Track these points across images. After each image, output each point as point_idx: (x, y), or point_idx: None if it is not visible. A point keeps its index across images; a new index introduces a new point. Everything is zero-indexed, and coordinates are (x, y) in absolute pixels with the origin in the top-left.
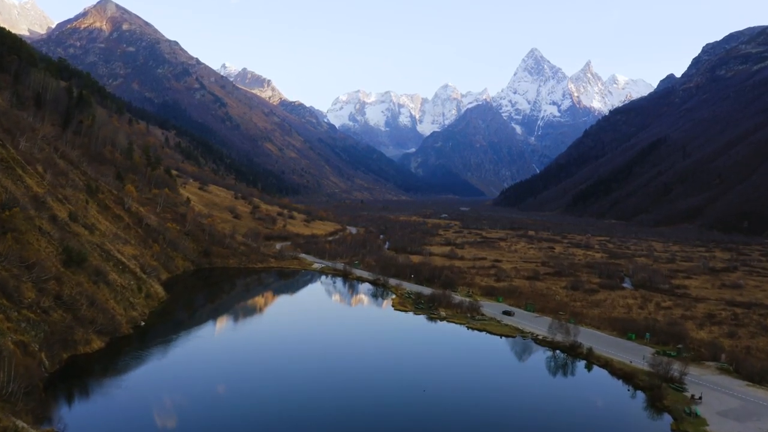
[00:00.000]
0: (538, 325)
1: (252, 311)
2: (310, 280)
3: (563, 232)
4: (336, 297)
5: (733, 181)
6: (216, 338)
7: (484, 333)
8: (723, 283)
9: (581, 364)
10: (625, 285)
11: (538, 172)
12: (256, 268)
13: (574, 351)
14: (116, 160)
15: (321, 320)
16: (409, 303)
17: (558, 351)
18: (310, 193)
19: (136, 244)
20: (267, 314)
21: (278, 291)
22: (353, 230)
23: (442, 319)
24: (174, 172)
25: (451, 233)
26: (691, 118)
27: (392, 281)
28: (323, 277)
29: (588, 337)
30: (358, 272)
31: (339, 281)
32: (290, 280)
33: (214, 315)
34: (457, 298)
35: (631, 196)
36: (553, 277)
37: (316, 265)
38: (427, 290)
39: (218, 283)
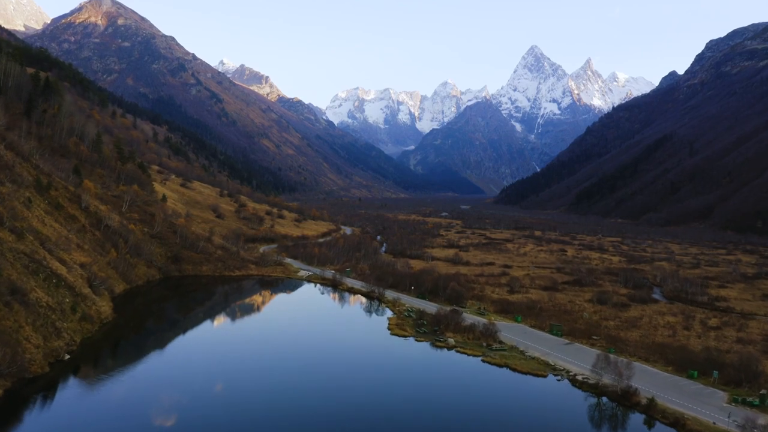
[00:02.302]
0: (571, 356)
1: (208, 341)
2: (293, 292)
3: (571, 233)
4: (320, 316)
5: (744, 179)
6: (154, 381)
7: (506, 369)
8: (764, 293)
9: (637, 418)
10: (655, 296)
11: (538, 170)
12: (232, 276)
13: (627, 400)
14: (81, 153)
15: (296, 351)
16: (408, 324)
17: (605, 398)
18: (308, 191)
19: (90, 249)
20: (225, 343)
21: (249, 307)
22: (348, 231)
23: (450, 348)
24: (155, 168)
25: (453, 234)
26: (697, 115)
27: (389, 294)
28: (309, 287)
29: (638, 376)
30: (350, 282)
31: (327, 293)
32: (270, 290)
33: (160, 344)
34: (468, 318)
35: (637, 194)
36: (574, 288)
37: (302, 273)
38: (430, 305)
39: (184, 296)
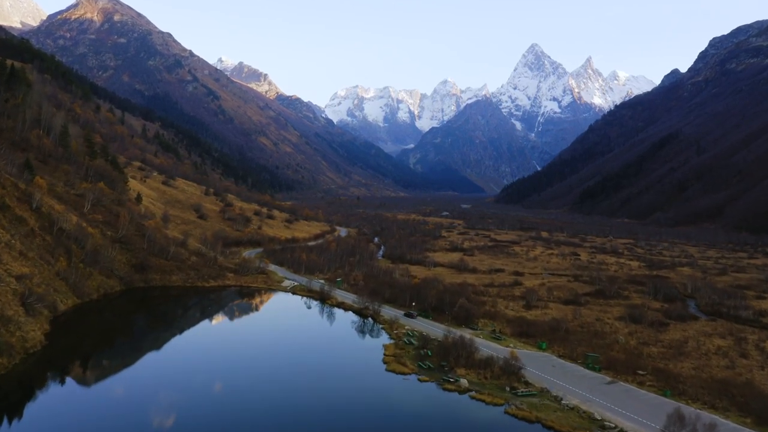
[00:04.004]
0: (619, 403)
1: (150, 384)
2: (272, 307)
3: (580, 233)
4: (298, 342)
5: (756, 177)
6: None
7: (538, 425)
8: None
9: None
10: (691, 310)
11: (538, 168)
12: (206, 286)
13: None
14: (44, 146)
15: (259, 400)
16: (409, 355)
17: None
18: (306, 189)
19: (35, 257)
20: (170, 384)
21: (213, 328)
22: (343, 232)
23: (463, 392)
24: (136, 164)
25: (455, 235)
26: (703, 113)
27: (386, 311)
28: (293, 301)
29: None
30: (341, 294)
31: (314, 307)
32: (244, 306)
33: (82, 389)
34: (482, 345)
35: (643, 193)
36: (598, 300)
37: (286, 283)
38: (435, 327)
39: (143, 314)
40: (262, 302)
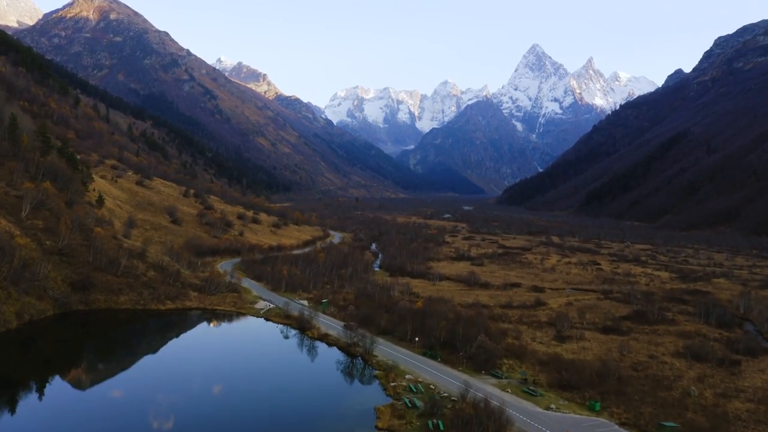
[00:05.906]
0: None
1: None
2: (234, 340)
3: (592, 238)
4: (256, 403)
5: None
6: None
7: None
8: None
9: None
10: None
11: (539, 170)
12: (161, 309)
13: None
14: None
15: None
16: (412, 430)
17: None
18: (304, 190)
19: None
20: None
21: (132, 375)
22: (338, 237)
23: None
24: (109, 163)
25: (460, 240)
26: (711, 112)
27: (381, 348)
28: (264, 330)
29: None
30: (325, 321)
31: (291, 339)
32: (197, 337)
33: None
34: (516, 413)
35: (652, 195)
36: (641, 327)
37: (261, 304)
38: (445, 375)
39: (63, 349)
40: (222, 333)
